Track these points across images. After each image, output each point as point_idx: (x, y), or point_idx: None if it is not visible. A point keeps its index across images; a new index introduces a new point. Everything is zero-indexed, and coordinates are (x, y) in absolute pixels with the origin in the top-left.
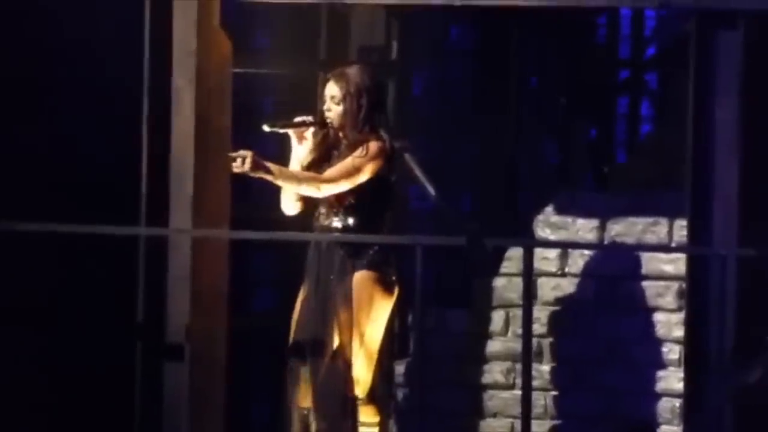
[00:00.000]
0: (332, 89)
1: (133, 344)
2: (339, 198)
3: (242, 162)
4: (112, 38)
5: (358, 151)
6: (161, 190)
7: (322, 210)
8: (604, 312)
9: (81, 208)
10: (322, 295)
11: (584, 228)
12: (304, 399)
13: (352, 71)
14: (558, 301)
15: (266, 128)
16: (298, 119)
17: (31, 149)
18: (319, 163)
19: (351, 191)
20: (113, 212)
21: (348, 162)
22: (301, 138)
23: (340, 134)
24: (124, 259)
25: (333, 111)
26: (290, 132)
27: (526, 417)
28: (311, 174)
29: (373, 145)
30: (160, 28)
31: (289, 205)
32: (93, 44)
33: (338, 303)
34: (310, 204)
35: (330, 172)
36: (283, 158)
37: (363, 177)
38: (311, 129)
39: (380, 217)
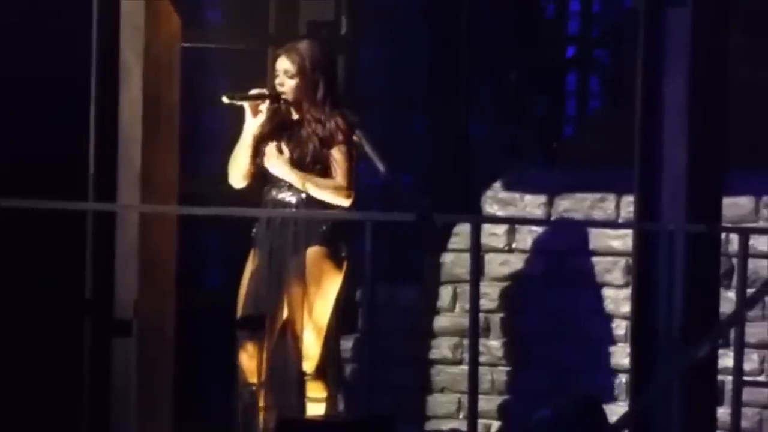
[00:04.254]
0: (284, 63)
1: (82, 320)
2: None
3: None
4: (59, 12)
5: (341, 140)
6: (109, 166)
7: (275, 184)
8: (551, 288)
9: (28, 184)
10: (276, 269)
11: (532, 204)
12: (252, 375)
13: (303, 45)
14: (506, 276)
15: (225, 100)
16: (254, 92)
17: None
18: (269, 136)
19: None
20: (61, 188)
21: (341, 161)
22: (255, 111)
23: (296, 109)
24: (72, 235)
25: (286, 85)
26: (245, 105)
27: (473, 392)
28: (335, 182)
29: (345, 128)
30: (107, 3)
31: (239, 178)
32: (40, 18)
33: (291, 278)
34: (257, 177)
35: (343, 178)
36: (234, 132)
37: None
38: (266, 102)
39: None
